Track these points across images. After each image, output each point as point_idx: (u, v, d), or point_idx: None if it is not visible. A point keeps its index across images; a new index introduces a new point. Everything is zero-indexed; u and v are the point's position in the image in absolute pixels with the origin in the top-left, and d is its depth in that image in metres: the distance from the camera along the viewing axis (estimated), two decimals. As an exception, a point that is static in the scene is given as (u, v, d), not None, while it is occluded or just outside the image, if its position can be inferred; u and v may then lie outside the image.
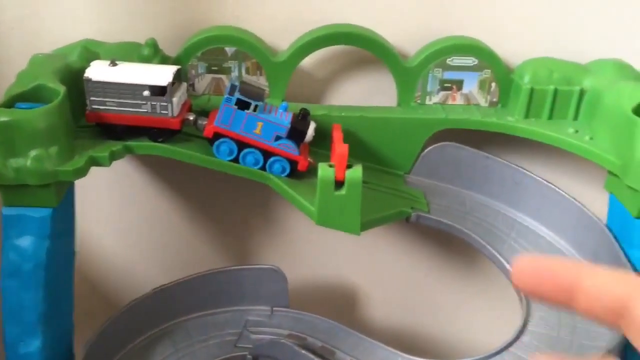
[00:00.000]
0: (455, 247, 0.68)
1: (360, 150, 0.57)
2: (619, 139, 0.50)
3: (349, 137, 0.53)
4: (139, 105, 0.49)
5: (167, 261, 0.68)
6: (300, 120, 0.51)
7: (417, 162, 0.58)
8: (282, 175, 0.52)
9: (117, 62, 0.49)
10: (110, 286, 0.69)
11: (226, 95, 0.50)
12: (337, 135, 0.50)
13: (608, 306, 0.21)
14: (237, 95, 0.49)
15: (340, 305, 0.73)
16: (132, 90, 0.48)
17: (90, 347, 0.51)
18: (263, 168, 0.52)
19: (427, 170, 0.58)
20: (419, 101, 0.58)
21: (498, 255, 0.53)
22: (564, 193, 0.55)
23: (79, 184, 0.51)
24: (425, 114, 0.57)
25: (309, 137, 0.51)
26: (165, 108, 0.49)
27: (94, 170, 0.48)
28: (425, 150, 0.58)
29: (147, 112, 0.49)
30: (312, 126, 0.51)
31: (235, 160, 0.51)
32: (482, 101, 0.58)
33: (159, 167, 0.64)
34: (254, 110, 0.50)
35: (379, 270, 0.70)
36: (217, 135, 0.50)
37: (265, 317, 0.61)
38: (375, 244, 0.69)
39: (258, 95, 0.50)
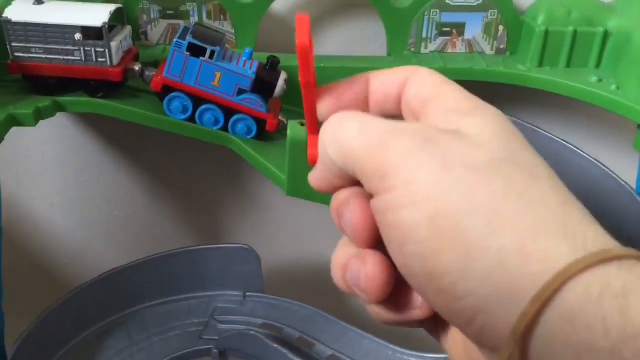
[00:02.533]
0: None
1: None
2: (653, 87, 0.41)
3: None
4: (70, 52, 0.40)
5: (122, 241, 0.60)
6: (268, 70, 0.42)
7: (410, 122, 0.50)
8: (248, 137, 0.43)
9: (43, 0, 0.41)
10: (55, 271, 0.61)
11: (176, 39, 0.41)
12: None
13: (394, 98, 0.22)
14: (189, 39, 0.41)
15: (322, 289, 0.64)
16: (61, 32, 0.40)
17: (23, 342, 0.43)
18: (225, 128, 0.43)
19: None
20: (412, 49, 0.49)
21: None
22: (583, 153, 0.46)
23: (10, 148, 0.43)
24: (420, 64, 0.48)
25: (279, 90, 0.42)
26: (103, 55, 0.40)
27: (31, 132, 0.40)
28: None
29: (80, 60, 0.41)
30: (282, 77, 0.42)
31: (191, 119, 0.43)
32: (488, 48, 0.50)
33: (108, 128, 0.55)
34: (211, 57, 0.41)
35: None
36: (168, 89, 0.42)
37: (237, 303, 0.53)
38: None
39: (215, 38, 0.42)
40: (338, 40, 0.52)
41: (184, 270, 0.52)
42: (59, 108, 0.42)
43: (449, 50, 0.50)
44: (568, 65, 0.47)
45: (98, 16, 0.40)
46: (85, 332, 0.49)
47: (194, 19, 0.48)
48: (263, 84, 0.42)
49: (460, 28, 0.49)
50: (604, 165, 0.46)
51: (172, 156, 0.57)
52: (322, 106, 0.23)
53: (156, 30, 0.49)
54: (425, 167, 0.18)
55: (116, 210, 0.58)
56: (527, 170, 0.18)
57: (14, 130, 0.40)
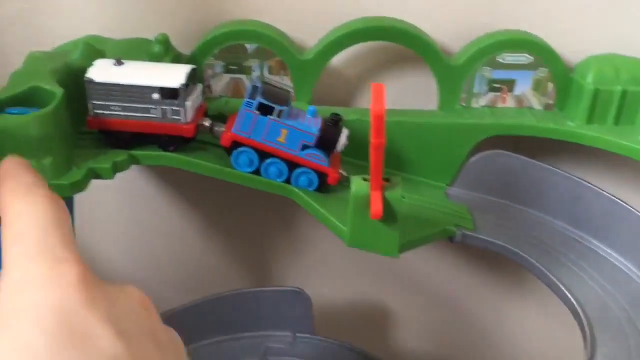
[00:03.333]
0: (498, 262, 0.61)
1: (397, 159, 0.50)
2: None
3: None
4: (147, 110, 0.43)
5: (180, 281, 0.62)
6: (331, 127, 0.45)
7: (460, 173, 0.51)
8: (310, 188, 0.46)
9: (123, 61, 0.43)
10: None
11: (246, 99, 0.44)
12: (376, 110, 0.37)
13: None
14: (258, 98, 0.43)
15: (371, 331, 0.66)
16: (140, 92, 0.42)
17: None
18: (288, 180, 0.45)
19: (472, 182, 0.52)
20: (463, 104, 0.51)
21: (555, 280, 0.46)
22: (632, 208, 0.48)
23: (79, 195, 0.45)
24: (471, 119, 0.50)
25: (341, 146, 0.45)
26: (178, 113, 0.43)
27: (96, 180, 0.42)
28: (471, 160, 0.51)
29: (156, 117, 0.43)
30: (344, 133, 0.45)
31: (257, 171, 0.45)
32: (537, 104, 0.51)
33: (170, 176, 0.58)
34: (278, 115, 0.43)
35: (413, 290, 0.64)
36: (236, 144, 0.44)
37: (287, 344, 0.55)
38: (410, 261, 0.62)
39: (283, 98, 0.44)
40: (391, 92, 0.54)
41: (237, 312, 0.54)
42: (134, 161, 0.44)
43: (499, 105, 0.52)
44: (616, 122, 0.49)
45: (175, 77, 0.42)
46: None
47: (256, 74, 0.51)
48: (326, 141, 0.44)
49: (510, 84, 0.51)
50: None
51: (231, 202, 0.59)
52: None
53: (219, 84, 0.51)
54: None
55: (175, 253, 0.61)
56: None
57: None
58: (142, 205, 0.58)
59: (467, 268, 0.63)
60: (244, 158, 0.45)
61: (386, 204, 0.40)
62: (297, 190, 0.45)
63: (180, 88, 0.42)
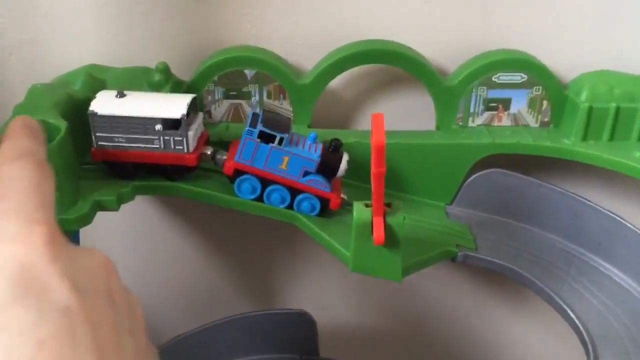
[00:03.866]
0: (501, 280, 0.62)
1: (396, 180, 0.51)
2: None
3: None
4: (150, 141, 0.43)
5: (185, 305, 0.63)
6: (332, 153, 0.45)
7: (459, 192, 0.52)
8: (312, 214, 0.46)
9: (125, 93, 0.44)
10: None
11: (247, 127, 0.44)
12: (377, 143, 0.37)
13: None
14: (259, 126, 0.44)
15: (377, 352, 0.66)
16: (143, 124, 0.43)
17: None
18: (290, 206, 0.46)
19: (472, 201, 0.52)
20: (460, 123, 0.52)
21: (557, 299, 0.47)
22: (629, 225, 0.48)
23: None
24: (469, 138, 0.51)
25: (342, 171, 0.45)
26: (180, 143, 0.44)
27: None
28: (469, 179, 0.52)
29: (159, 148, 0.44)
30: (344, 159, 0.45)
31: (259, 198, 0.46)
32: (532, 121, 0.52)
33: (173, 203, 0.58)
34: (280, 142, 0.44)
35: (417, 311, 0.64)
36: (238, 172, 0.45)
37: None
38: (414, 283, 0.62)
39: (284, 125, 0.45)
40: (388, 113, 0.54)
41: (244, 335, 0.54)
42: (138, 192, 0.45)
43: (495, 123, 0.52)
44: (611, 139, 0.50)
45: (176, 108, 0.43)
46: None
47: (255, 99, 0.51)
48: (327, 167, 0.45)
49: (506, 103, 0.51)
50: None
51: (236, 227, 0.59)
52: None
53: (219, 109, 0.52)
54: None
55: (181, 280, 0.61)
56: None
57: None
58: (147, 232, 0.59)
59: (470, 287, 0.63)
60: (247, 186, 0.45)
61: (388, 230, 0.40)
62: (300, 216, 0.46)
63: (182, 118, 0.42)
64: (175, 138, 0.43)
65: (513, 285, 0.60)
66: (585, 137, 0.50)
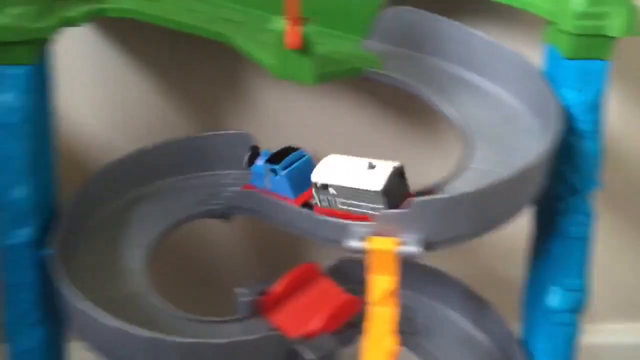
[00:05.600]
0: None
1: (313, 13, 0.58)
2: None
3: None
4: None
5: (138, 130, 0.73)
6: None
7: (372, 27, 0.61)
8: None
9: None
10: (89, 154, 0.74)
11: None
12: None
13: None
14: None
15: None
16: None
17: (78, 195, 0.56)
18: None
19: (384, 35, 0.62)
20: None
21: (447, 105, 0.57)
22: (507, 48, 0.58)
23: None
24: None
25: None
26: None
27: (70, 43, 0.52)
28: (382, 14, 0.61)
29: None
30: None
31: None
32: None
33: (130, 40, 0.69)
34: None
35: (343, 136, 0.75)
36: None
37: (242, 179, 0.64)
38: (339, 113, 0.74)
39: None
40: None
41: (190, 154, 0.64)
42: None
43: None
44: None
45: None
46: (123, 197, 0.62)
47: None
48: None
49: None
50: (521, 55, 0.58)
51: (182, 59, 0.70)
52: None
53: None
54: None
55: (134, 109, 0.72)
56: None
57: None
58: (107, 66, 0.70)
59: (389, 114, 0.74)
60: None
61: (300, 36, 0.50)
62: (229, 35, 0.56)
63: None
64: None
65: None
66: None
